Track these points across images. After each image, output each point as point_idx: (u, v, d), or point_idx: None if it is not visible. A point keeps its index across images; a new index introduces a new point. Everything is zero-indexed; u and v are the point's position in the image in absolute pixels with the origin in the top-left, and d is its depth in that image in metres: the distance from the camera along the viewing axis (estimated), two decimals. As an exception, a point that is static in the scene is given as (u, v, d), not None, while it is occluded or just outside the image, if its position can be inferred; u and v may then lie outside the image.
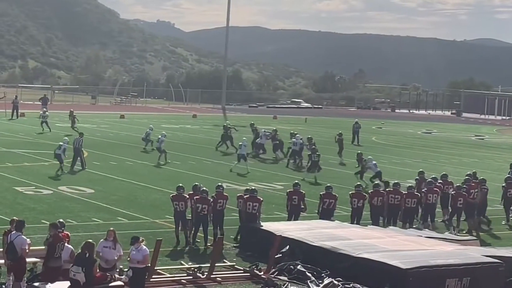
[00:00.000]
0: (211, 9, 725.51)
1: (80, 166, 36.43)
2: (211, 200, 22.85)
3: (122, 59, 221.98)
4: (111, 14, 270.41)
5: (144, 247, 17.33)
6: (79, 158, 36.57)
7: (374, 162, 35.59)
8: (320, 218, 24.44)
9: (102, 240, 17.66)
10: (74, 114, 54.33)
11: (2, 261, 17.57)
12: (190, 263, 20.09)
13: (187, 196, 23.03)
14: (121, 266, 17.88)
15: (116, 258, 17.46)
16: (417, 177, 29.31)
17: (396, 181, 26.97)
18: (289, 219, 24.66)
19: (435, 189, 26.91)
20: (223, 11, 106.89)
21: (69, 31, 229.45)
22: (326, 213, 24.65)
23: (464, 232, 26.58)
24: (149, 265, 17.49)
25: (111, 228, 18.02)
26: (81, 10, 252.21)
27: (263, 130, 47.40)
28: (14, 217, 18.31)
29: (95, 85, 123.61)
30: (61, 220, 18.22)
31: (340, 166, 42.71)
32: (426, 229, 25.01)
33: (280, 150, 44.97)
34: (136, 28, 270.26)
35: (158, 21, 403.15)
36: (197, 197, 22.78)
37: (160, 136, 40.63)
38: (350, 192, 25.83)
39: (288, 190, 25.75)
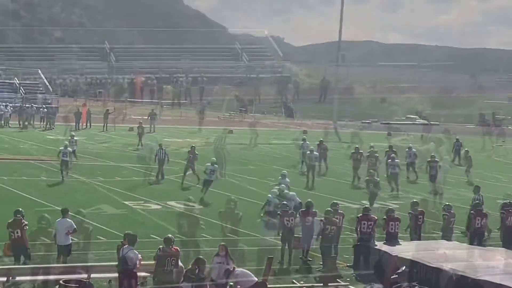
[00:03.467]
0: (323, 23, 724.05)
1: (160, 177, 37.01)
2: (338, 220, 22.50)
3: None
4: (220, 29, 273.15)
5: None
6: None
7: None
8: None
9: (214, 256, 17.59)
10: None
11: (116, 275, 17.61)
12: (302, 282, 19.58)
13: (294, 212, 22.85)
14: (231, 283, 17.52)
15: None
16: None
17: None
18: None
19: None
20: (335, 25, 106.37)
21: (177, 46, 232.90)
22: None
23: None
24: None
25: (222, 243, 17.94)
26: (189, 25, 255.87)
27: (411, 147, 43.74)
28: (128, 231, 18.24)
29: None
30: (169, 235, 18.01)
31: (459, 186, 41.07)
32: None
33: (323, 160, 42.44)
34: (245, 42, 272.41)
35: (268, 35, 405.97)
36: (322, 218, 22.36)
37: None
38: (471, 211, 24.73)
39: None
